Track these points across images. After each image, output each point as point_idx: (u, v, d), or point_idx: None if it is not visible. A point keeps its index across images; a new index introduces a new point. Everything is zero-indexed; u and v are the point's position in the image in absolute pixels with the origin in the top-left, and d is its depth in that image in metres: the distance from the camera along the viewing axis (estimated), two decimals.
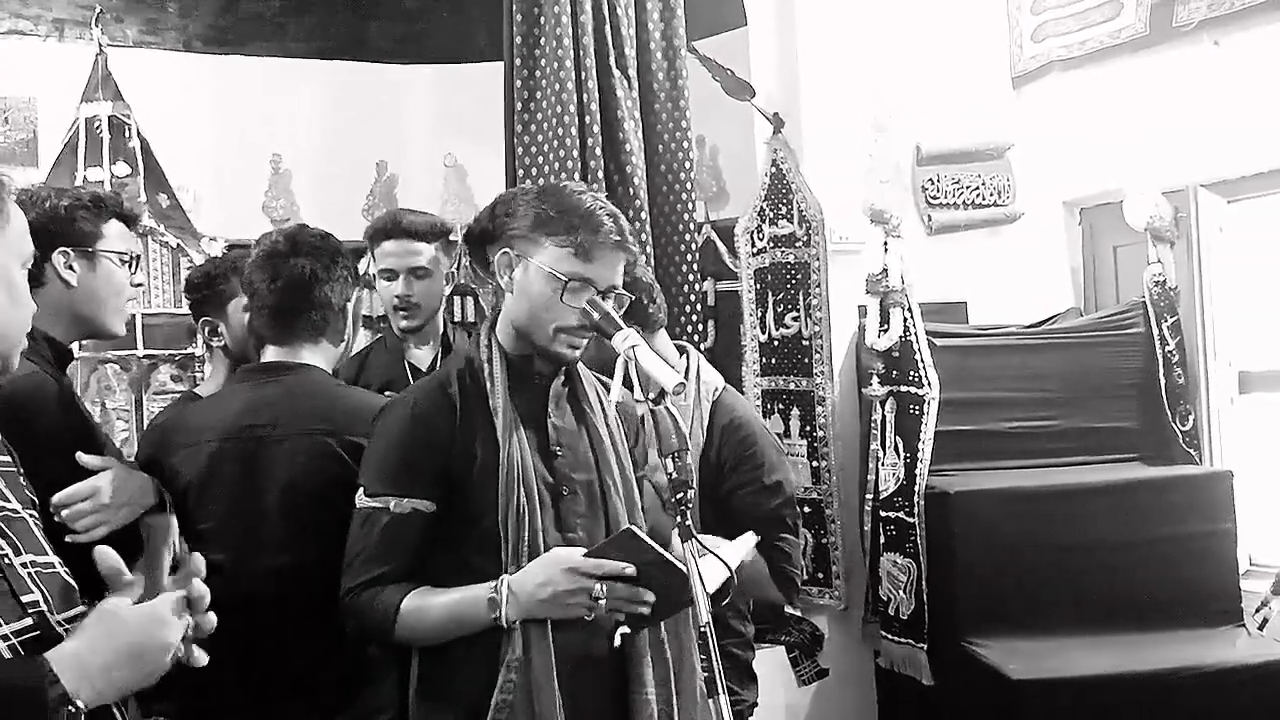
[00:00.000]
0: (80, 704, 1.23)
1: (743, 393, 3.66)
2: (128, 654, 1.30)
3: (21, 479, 1.50)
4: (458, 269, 4.79)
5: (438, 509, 1.86)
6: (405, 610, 1.80)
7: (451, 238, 2.98)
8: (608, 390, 2.01)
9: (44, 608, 1.37)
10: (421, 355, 2.95)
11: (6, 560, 1.35)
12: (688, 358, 2.47)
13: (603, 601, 1.75)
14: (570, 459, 1.91)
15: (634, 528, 1.77)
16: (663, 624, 1.87)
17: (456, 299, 4.86)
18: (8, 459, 1.49)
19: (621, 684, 1.83)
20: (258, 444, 2.11)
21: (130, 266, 2.21)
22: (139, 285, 2.33)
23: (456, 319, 4.86)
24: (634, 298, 2.02)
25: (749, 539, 2.07)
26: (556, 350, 1.88)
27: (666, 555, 1.73)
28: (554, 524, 1.86)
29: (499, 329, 1.94)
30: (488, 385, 1.89)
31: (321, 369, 2.24)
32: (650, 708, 1.82)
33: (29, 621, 1.33)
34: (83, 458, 1.92)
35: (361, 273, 2.87)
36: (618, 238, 1.87)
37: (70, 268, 2.10)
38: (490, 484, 1.82)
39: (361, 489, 1.89)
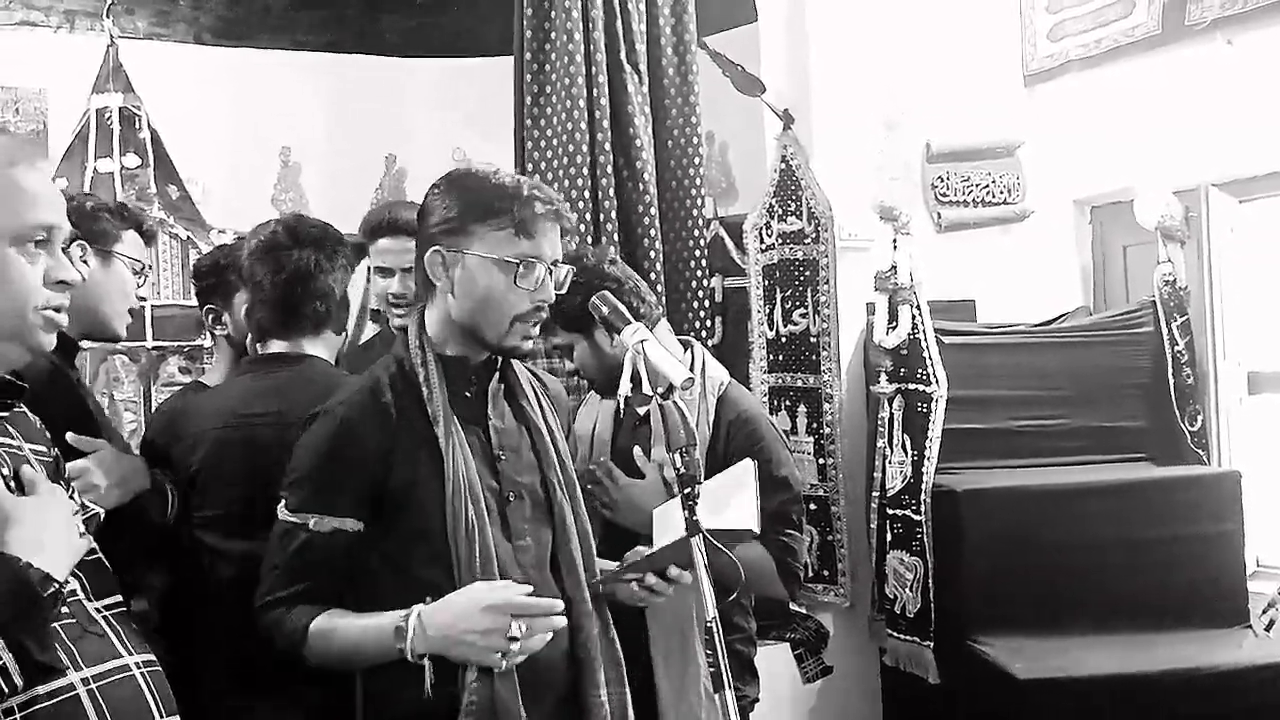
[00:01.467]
0: (59, 580, 1.28)
1: (750, 389, 3.66)
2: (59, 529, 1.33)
3: (55, 469, 1.51)
4: None
5: (367, 528, 1.76)
6: (313, 633, 1.73)
7: None
8: (541, 383, 1.97)
9: (80, 596, 1.39)
10: None
11: None
12: (692, 352, 2.47)
13: (517, 645, 1.64)
14: (514, 462, 1.84)
15: (696, 539, 1.68)
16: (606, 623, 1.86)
17: None
18: (43, 449, 1.49)
19: (575, 686, 1.80)
20: (263, 432, 2.11)
21: (140, 276, 2.27)
22: (143, 300, 2.37)
23: None
24: (555, 275, 1.87)
25: (746, 468, 2.02)
26: (511, 344, 1.80)
27: (720, 547, 1.70)
28: (501, 532, 1.79)
29: (429, 329, 1.83)
30: (424, 391, 1.78)
31: (324, 359, 2.24)
32: (604, 709, 1.79)
33: (65, 609, 1.35)
34: (73, 438, 1.92)
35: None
36: (553, 207, 1.79)
37: (84, 261, 2.12)
38: (435, 496, 1.74)
39: (283, 500, 1.79)
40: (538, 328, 1.83)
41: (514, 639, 1.64)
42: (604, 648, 1.83)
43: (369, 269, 3.01)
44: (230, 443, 2.14)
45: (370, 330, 4.28)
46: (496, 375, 1.88)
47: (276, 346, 2.23)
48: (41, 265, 1.40)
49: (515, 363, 1.90)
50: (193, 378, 3.79)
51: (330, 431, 1.78)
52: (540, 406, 1.91)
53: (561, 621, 1.71)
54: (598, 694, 1.79)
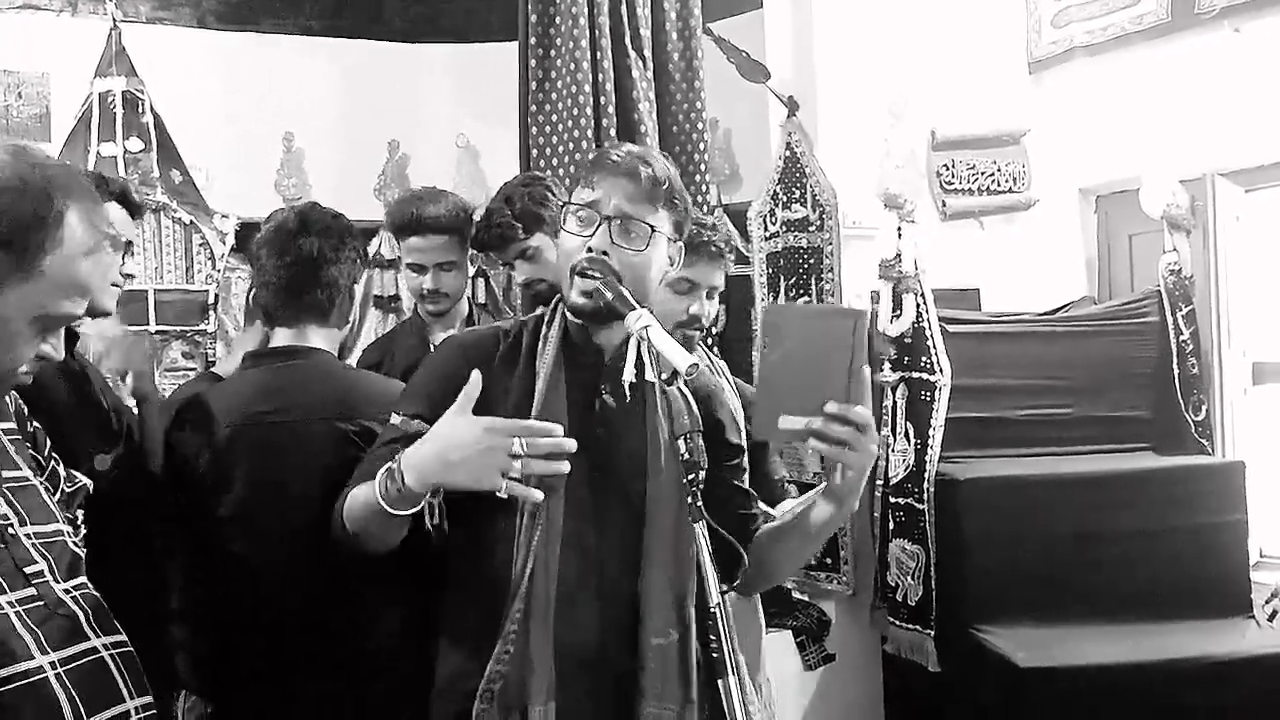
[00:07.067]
0: None
1: (752, 382, 3.66)
2: None
3: (29, 447, 1.50)
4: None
5: None
6: (349, 499, 1.67)
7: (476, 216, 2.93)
8: (699, 398, 1.81)
9: (48, 577, 1.38)
10: None
11: (11, 530, 1.36)
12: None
13: (519, 464, 1.50)
14: (605, 443, 1.73)
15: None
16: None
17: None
18: (13, 426, 1.49)
19: (629, 696, 1.68)
20: (273, 430, 2.07)
21: (120, 252, 2.18)
22: (129, 275, 2.30)
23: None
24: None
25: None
26: (571, 300, 1.72)
27: None
28: (566, 495, 1.68)
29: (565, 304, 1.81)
30: (539, 344, 1.75)
31: (330, 353, 2.22)
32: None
33: (32, 591, 1.35)
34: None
35: (372, 253, 2.86)
36: (620, 160, 1.72)
37: None
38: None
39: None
40: (591, 280, 1.67)
41: (516, 456, 1.51)
42: (675, 659, 1.69)
43: (377, 253, 3.01)
44: (240, 442, 2.09)
45: (375, 319, 4.30)
46: (628, 363, 1.75)
47: (283, 337, 2.19)
48: (38, 342, 1.39)
49: (655, 359, 1.73)
50: (196, 363, 3.81)
51: (449, 353, 1.82)
52: (669, 410, 1.76)
53: (569, 444, 1.54)
54: (652, 709, 1.66)
